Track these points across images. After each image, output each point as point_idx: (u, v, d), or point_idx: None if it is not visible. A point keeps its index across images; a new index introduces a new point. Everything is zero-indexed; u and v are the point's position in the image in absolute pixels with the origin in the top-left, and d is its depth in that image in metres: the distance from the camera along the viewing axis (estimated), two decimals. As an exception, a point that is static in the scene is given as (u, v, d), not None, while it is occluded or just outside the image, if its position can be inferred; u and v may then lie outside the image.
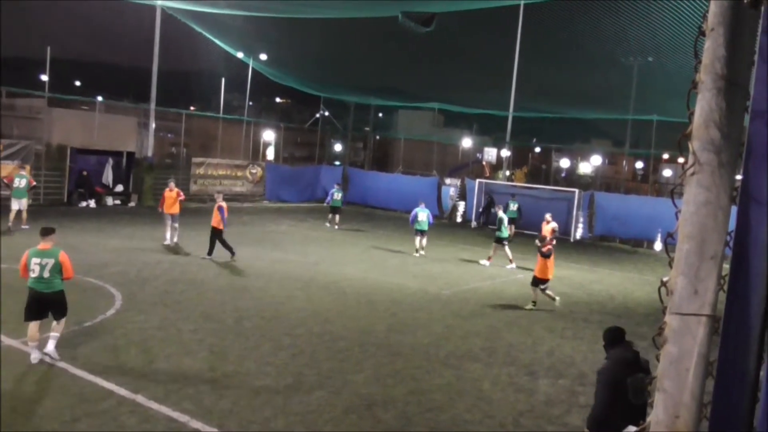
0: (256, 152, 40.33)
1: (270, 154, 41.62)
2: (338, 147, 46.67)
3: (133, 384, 7.66)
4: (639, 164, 57.49)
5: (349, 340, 10.39)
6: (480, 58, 31.90)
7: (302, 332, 10.56)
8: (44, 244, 8.43)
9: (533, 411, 8.08)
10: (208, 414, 7.04)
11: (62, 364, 8.17)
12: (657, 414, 2.08)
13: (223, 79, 47.73)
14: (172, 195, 17.94)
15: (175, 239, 18.05)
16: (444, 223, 29.56)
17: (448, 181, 32.97)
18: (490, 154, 35.84)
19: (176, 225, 18.10)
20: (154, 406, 7.14)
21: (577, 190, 28.89)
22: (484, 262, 18.94)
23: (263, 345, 9.75)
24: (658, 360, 2.11)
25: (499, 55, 30.89)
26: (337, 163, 42.88)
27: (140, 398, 7.29)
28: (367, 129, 45.05)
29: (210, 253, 16.35)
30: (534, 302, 13.68)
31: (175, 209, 17.96)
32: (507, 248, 18.82)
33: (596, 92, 31.13)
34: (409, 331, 11.28)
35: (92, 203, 25.56)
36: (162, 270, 14.57)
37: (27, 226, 17.93)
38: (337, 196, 24.96)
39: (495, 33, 30.82)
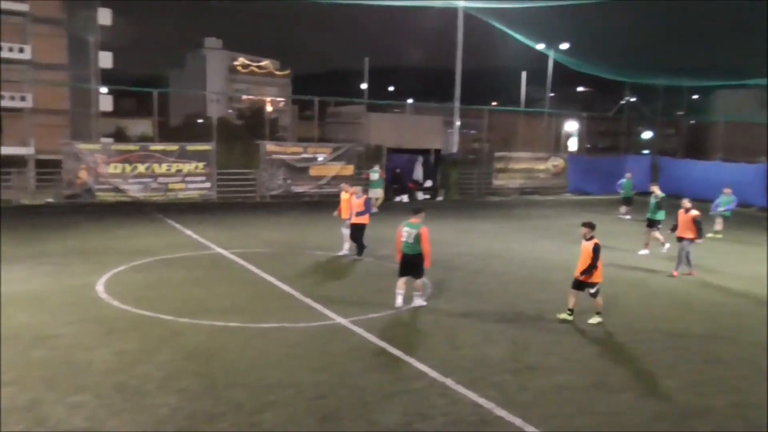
0: (557, 144, 39.80)
1: (572, 145, 40.68)
2: (646, 134, 43.58)
3: (442, 368, 8.18)
4: None
5: (659, 341, 9.72)
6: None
7: (606, 330, 10.17)
8: (414, 219, 10.96)
9: None
10: (512, 404, 7.21)
11: (383, 344, 9.09)
12: None
13: (523, 73, 48.04)
14: (346, 198, 15.15)
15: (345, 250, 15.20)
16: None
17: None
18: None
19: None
20: (462, 390, 7.54)
21: None
22: (643, 251, 16.98)
23: (566, 339, 9.64)
24: None
25: None
26: (645, 151, 40.06)
27: (449, 382, 7.76)
28: (679, 113, 41.25)
29: (360, 252, 14.73)
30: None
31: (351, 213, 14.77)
32: (658, 232, 17.03)
33: None
34: (731, 337, 10.12)
35: (405, 198, 27.90)
36: (466, 262, 15.29)
37: (376, 210, 21.38)
38: (627, 185, 24.51)
39: None
